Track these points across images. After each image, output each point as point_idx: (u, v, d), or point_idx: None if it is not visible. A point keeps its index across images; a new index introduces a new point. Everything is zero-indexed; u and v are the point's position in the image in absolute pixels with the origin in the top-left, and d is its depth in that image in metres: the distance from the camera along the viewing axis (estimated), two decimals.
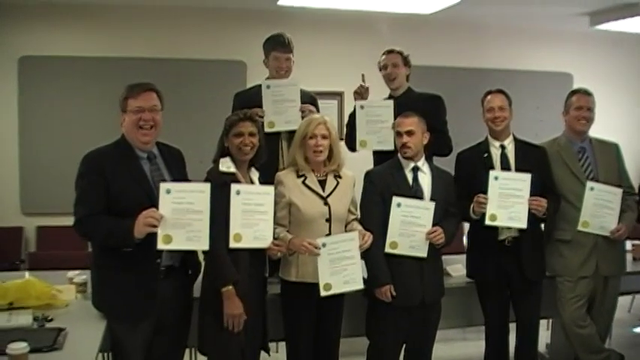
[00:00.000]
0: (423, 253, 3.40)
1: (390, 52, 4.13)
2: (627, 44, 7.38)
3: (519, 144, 3.83)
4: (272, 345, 3.61)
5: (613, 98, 7.22)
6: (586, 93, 3.98)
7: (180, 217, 2.86)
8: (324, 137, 3.30)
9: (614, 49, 7.40)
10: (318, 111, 3.93)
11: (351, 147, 4.03)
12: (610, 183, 3.86)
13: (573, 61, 7.21)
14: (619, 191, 3.82)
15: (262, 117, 3.78)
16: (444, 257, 3.74)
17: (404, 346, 3.60)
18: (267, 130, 3.76)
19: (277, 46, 3.98)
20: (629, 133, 7.00)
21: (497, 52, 6.97)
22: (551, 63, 7.13)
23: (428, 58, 6.44)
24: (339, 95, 6.32)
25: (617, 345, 4.99)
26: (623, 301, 5.50)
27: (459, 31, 6.76)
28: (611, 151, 4.04)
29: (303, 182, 3.31)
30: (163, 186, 2.88)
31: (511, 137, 3.83)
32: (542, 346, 4.82)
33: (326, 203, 3.30)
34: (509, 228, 3.67)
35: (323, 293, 3.17)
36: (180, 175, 3.17)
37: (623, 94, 7.49)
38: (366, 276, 3.40)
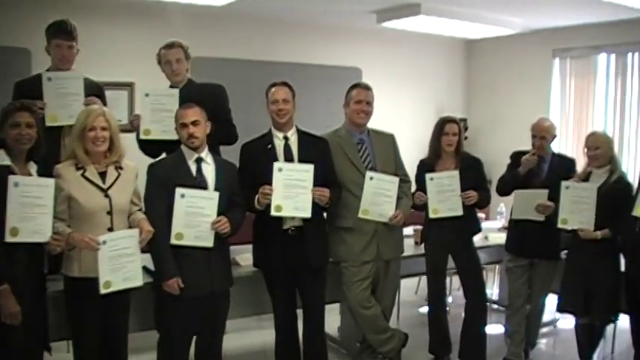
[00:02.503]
0: (209, 242, 3.47)
1: (171, 46, 4.14)
2: (409, 41, 7.96)
3: (302, 135, 3.97)
4: (63, 344, 3.55)
5: (398, 91, 7.81)
6: (365, 87, 4.25)
7: None
8: (103, 129, 3.28)
9: (399, 46, 7.96)
10: (104, 102, 3.89)
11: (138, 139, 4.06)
12: (387, 172, 4.17)
13: (362, 56, 7.64)
14: (396, 179, 4.14)
15: (43, 109, 3.69)
16: (232, 247, 3.85)
17: (194, 337, 3.66)
18: (49, 124, 3.69)
19: (59, 33, 3.88)
20: (411, 123, 7.57)
21: (290, 45, 7.20)
22: (342, 58, 7.49)
23: (220, 50, 6.59)
24: (129, 86, 6.23)
25: (404, 325, 5.45)
26: (410, 283, 5.99)
27: (252, 24, 6.91)
28: (388, 141, 4.36)
29: (83, 175, 3.27)
30: None
31: (294, 129, 3.96)
32: (334, 330, 5.15)
33: (106, 195, 3.28)
34: (292, 217, 3.82)
35: (102, 291, 3.17)
36: None
37: (406, 87, 8.10)
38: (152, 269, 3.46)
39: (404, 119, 7.63)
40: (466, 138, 8.03)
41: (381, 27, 7.09)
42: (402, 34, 7.56)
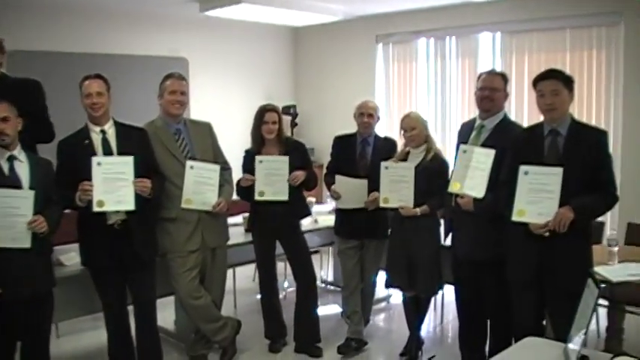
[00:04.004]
0: (26, 243, 3.38)
1: None
2: (236, 30, 8.08)
3: (120, 127, 3.95)
4: None
5: (226, 80, 7.91)
6: (179, 77, 4.29)
7: None
8: None
9: (225, 35, 8.06)
10: None
11: None
12: (206, 160, 4.28)
13: (188, 46, 7.66)
14: (217, 167, 4.27)
15: None
16: (57, 247, 3.83)
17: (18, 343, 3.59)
18: None
19: None
20: (240, 112, 7.56)
21: (113, 36, 7.09)
22: (167, 48, 7.47)
23: (41, 43, 6.41)
24: None
25: (241, 312, 5.60)
26: (248, 271, 6.13)
27: (74, 15, 6.76)
28: (205, 130, 4.46)
29: None
30: None
31: (111, 122, 3.93)
32: (170, 324, 5.20)
33: None
34: (117, 211, 3.82)
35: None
36: None
37: (234, 76, 8.24)
38: None
39: (233, 108, 7.75)
40: (296, 124, 8.33)
41: (205, 16, 7.16)
42: (228, 22, 7.68)
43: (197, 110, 6.75)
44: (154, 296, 4.18)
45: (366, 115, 4.77)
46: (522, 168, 3.51)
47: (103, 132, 3.89)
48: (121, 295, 4.05)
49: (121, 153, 3.86)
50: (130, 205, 3.78)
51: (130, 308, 4.15)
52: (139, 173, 3.81)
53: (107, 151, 3.86)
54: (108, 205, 3.74)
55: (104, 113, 3.88)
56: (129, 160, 3.79)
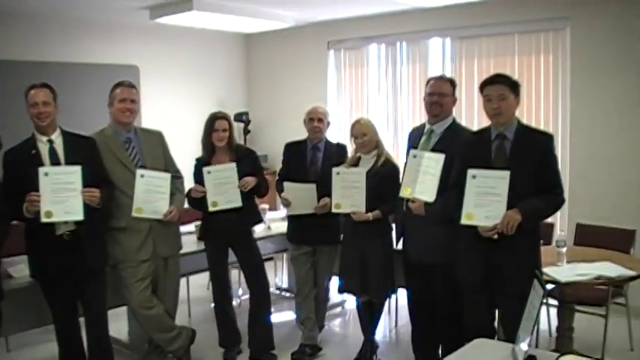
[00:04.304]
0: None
1: None
2: (187, 37, 8.03)
3: (68, 136, 3.91)
4: None
5: (178, 88, 7.87)
6: (129, 85, 4.26)
7: None
8: None
9: (177, 42, 8.00)
10: None
11: None
12: (157, 169, 4.26)
13: (139, 53, 7.58)
14: (167, 176, 4.25)
15: None
16: (5, 259, 3.78)
17: None
18: None
19: None
20: (193, 120, 7.47)
21: (62, 44, 6.97)
22: (117, 56, 7.37)
23: None
24: None
25: (196, 321, 5.58)
26: (202, 279, 6.10)
27: (21, 22, 6.63)
28: (156, 139, 4.43)
29: None
30: None
31: (59, 131, 3.89)
32: (123, 335, 5.15)
33: None
34: (65, 222, 3.77)
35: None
36: None
37: (186, 83, 8.18)
38: None
39: (185, 116, 7.68)
40: (249, 131, 8.31)
41: (156, 23, 7.10)
42: (179, 29, 7.62)
43: (148, 118, 6.71)
44: (105, 307, 4.14)
45: (316, 119, 4.81)
46: (470, 172, 3.55)
47: (51, 142, 3.85)
48: (72, 306, 4.01)
49: (68, 163, 3.82)
50: (78, 216, 3.74)
51: (82, 320, 4.10)
52: (87, 183, 3.77)
53: (55, 161, 3.82)
54: (56, 215, 3.70)
55: (51, 123, 3.84)
56: (77, 170, 3.75)
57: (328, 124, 4.92)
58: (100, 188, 3.86)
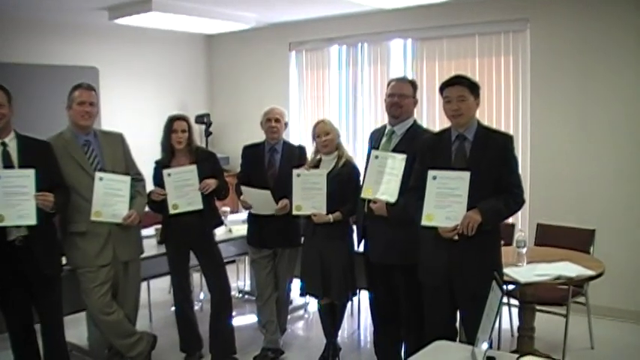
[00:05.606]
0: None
1: None
2: (147, 38, 7.94)
3: (22, 140, 3.83)
4: None
5: (138, 90, 7.77)
6: (88, 87, 4.17)
7: None
8: None
9: (137, 43, 7.91)
10: None
11: None
12: (118, 172, 4.18)
13: (98, 55, 7.46)
14: (127, 179, 4.18)
15: None
16: None
17: None
18: None
19: None
20: (154, 122, 7.46)
21: (18, 45, 6.84)
22: (76, 57, 7.25)
23: None
24: None
25: (157, 326, 5.50)
26: (162, 283, 6.02)
27: None
28: (116, 141, 4.35)
29: None
30: None
31: (13, 134, 3.81)
32: (82, 340, 5.06)
33: None
34: (18, 227, 3.69)
35: None
36: None
37: (147, 85, 8.08)
38: None
39: (146, 118, 7.55)
40: (211, 133, 8.25)
41: (116, 24, 7.00)
42: (139, 30, 7.54)
43: (108, 121, 6.58)
44: (61, 313, 4.06)
45: (273, 120, 4.79)
46: (430, 173, 3.56)
47: (4, 144, 3.77)
48: (27, 313, 3.94)
49: (22, 166, 3.75)
50: (31, 220, 3.67)
51: (37, 327, 4.01)
52: (41, 187, 3.70)
53: (8, 164, 3.75)
54: (8, 220, 3.63)
55: (5, 125, 3.76)
56: (30, 174, 3.68)
57: (286, 124, 4.89)
58: (55, 193, 3.78)
